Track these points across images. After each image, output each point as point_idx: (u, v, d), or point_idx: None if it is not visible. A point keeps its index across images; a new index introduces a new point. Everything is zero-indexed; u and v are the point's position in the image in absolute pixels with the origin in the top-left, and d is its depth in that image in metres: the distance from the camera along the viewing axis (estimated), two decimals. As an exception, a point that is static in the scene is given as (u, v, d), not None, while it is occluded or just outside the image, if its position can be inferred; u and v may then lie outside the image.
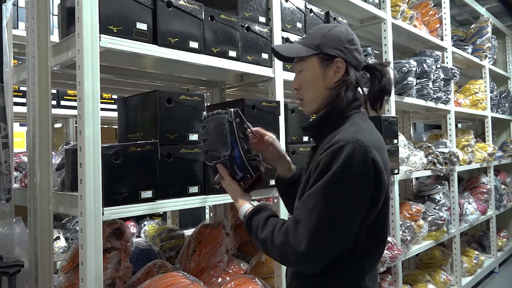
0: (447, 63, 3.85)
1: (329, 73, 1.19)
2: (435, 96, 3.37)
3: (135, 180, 1.42)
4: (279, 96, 2.00)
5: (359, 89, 1.24)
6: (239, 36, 1.81)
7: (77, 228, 2.12)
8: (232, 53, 1.78)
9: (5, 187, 1.56)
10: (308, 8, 2.21)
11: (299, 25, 2.16)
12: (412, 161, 3.07)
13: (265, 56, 1.93)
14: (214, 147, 1.29)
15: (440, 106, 3.55)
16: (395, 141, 2.74)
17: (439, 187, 3.72)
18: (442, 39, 3.83)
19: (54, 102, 2.73)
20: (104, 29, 1.35)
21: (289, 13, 2.11)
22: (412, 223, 3.08)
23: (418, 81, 3.18)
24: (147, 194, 1.44)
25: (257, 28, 1.90)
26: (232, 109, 1.28)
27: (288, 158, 1.41)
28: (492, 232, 4.84)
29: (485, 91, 4.62)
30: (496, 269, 4.83)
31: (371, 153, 1.05)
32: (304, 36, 1.27)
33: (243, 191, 1.28)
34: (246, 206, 1.23)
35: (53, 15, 2.29)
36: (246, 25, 1.86)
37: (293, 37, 2.09)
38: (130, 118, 1.71)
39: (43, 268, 1.55)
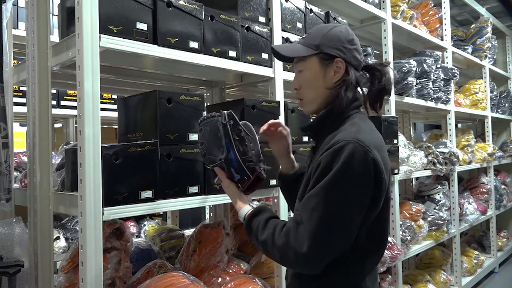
0: (447, 63, 3.85)
1: (329, 73, 1.19)
2: (435, 96, 3.37)
3: (135, 180, 1.42)
4: (279, 96, 2.00)
5: (359, 89, 1.24)
6: (239, 36, 1.81)
7: (77, 228, 2.12)
8: (232, 53, 1.78)
9: (5, 187, 1.56)
10: (308, 8, 2.21)
11: (299, 25, 2.16)
12: (412, 161, 3.07)
13: (265, 56, 1.94)
14: (211, 150, 1.29)
15: (440, 106, 3.55)
16: (395, 141, 2.74)
17: (439, 187, 3.72)
18: (442, 39, 3.83)
19: (54, 102, 2.73)
20: (104, 29, 1.35)
21: (289, 13, 2.11)
22: (412, 223, 3.08)
23: (418, 81, 3.18)
24: (147, 194, 1.44)
25: (257, 28, 1.90)
26: (225, 112, 1.27)
27: (293, 156, 1.41)
28: (492, 232, 4.84)
29: (485, 91, 4.62)
30: (496, 269, 4.83)
31: (372, 153, 1.05)
32: (304, 36, 1.27)
33: (242, 193, 1.28)
34: (245, 208, 1.23)
35: (53, 15, 2.29)
36: (246, 25, 1.86)
37: (293, 37, 2.09)
38: (130, 118, 1.71)
39: (43, 268, 1.55)
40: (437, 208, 3.55)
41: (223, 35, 1.74)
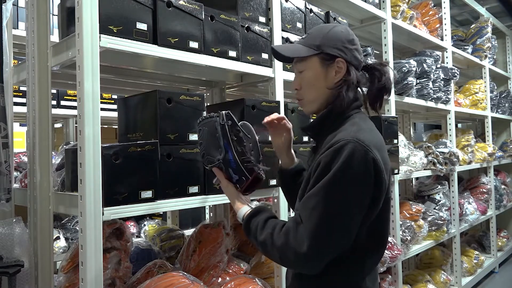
0: (447, 63, 3.85)
1: (330, 73, 1.19)
2: (435, 96, 3.37)
3: (135, 180, 1.42)
4: (279, 96, 2.00)
5: (359, 89, 1.24)
6: (239, 36, 1.81)
7: (77, 228, 2.12)
8: (232, 53, 1.78)
9: (5, 187, 1.56)
10: (308, 8, 2.21)
11: (299, 25, 2.16)
12: (412, 161, 3.07)
13: (265, 56, 1.94)
14: (209, 150, 1.29)
15: (440, 106, 3.55)
16: (395, 141, 2.74)
17: (439, 187, 3.73)
18: (442, 39, 3.83)
19: (54, 102, 2.73)
20: (104, 29, 1.35)
21: (289, 13, 2.11)
22: (412, 223, 3.08)
23: (418, 81, 3.18)
24: (147, 194, 1.44)
25: (257, 28, 1.90)
26: (223, 112, 1.27)
27: (293, 152, 1.42)
28: (492, 232, 4.84)
29: (485, 91, 4.62)
30: (496, 269, 4.83)
31: (372, 152, 1.05)
32: (304, 36, 1.27)
33: (241, 194, 1.28)
34: (244, 209, 1.23)
35: (53, 15, 2.29)
36: (246, 25, 1.86)
37: (293, 37, 2.09)
38: (130, 118, 1.71)
39: (43, 268, 1.55)
40: (437, 208, 3.55)
41: (223, 35, 1.74)
